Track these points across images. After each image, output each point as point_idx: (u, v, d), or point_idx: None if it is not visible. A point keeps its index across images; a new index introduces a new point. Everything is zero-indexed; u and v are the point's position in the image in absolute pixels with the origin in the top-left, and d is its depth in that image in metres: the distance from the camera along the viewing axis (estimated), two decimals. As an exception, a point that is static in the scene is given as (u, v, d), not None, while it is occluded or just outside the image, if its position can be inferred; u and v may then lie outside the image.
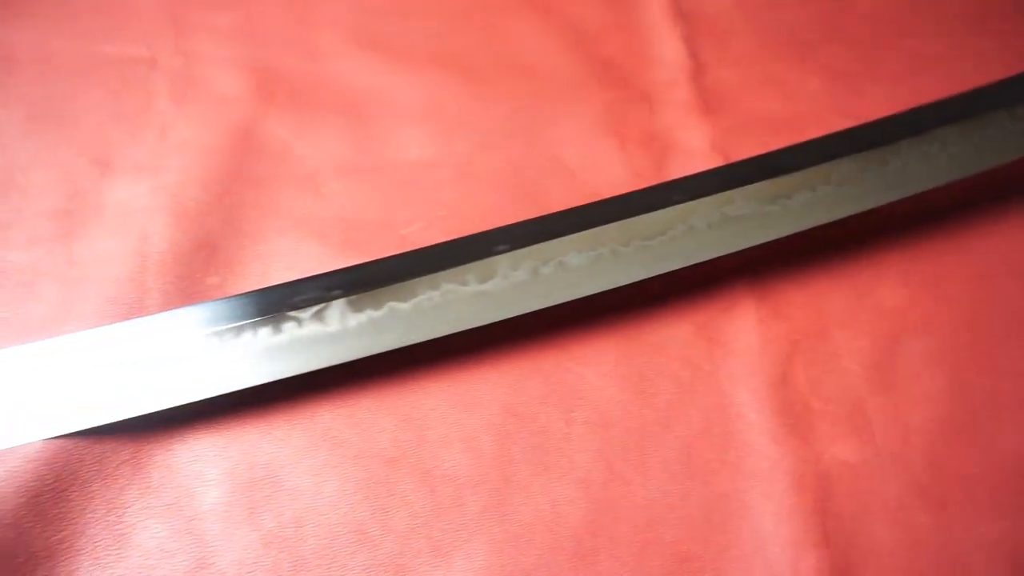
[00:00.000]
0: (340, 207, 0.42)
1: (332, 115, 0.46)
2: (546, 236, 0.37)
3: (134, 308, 0.37)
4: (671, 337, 0.39)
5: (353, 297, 0.35)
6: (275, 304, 0.35)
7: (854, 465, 0.36)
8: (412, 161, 0.44)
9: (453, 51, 0.50)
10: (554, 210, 0.39)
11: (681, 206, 0.38)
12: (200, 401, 0.33)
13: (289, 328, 0.34)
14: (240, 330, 0.34)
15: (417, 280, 0.35)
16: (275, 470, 0.34)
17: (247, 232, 0.41)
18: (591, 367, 0.37)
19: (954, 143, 0.41)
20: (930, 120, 0.41)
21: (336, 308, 0.35)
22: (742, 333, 0.39)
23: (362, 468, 0.34)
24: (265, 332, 0.34)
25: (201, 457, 0.34)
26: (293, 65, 0.48)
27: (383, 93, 0.47)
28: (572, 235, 0.37)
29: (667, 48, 0.51)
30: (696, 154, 0.46)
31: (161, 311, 0.36)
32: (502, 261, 0.36)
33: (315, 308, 0.35)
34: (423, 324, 0.35)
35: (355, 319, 0.35)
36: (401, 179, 0.43)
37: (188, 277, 0.39)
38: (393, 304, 0.35)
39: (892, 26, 0.54)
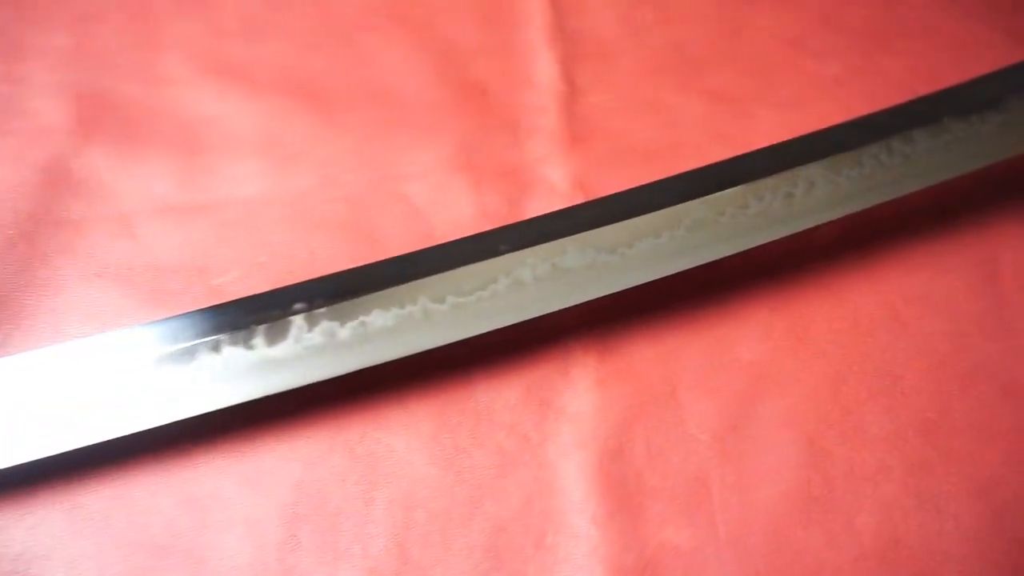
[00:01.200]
0: (153, 252, 0.38)
1: (161, 147, 0.42)
2: (349, 294, 0.33)
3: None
4: (498, 401, 0.35)
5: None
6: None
7: (685, 552, 0.32)
8: (242, 198, 0.41)
9: (307, 76, 0.46)
10: (392, 254, 0.36)
11: (506, 257, 0.34)
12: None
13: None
14: None
15: (198, 342, 0.32)
16: (27, 563, 0.30)
17: (43, 281, 0.37)
18: (402, 438, 0.34)
19: (822, 183, 0.37)
20: (799, 155, 0.38)
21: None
22: (578, 396, 0.35)
23: (125, 558, 0.30)
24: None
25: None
26: (127, 91, 0.44)
27: (221, 122, 0.43)
28: (378, 292, 0.33)
29: (542, 71, 0.47)
30: (556, 190, 0.42)
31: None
32: (296, 322, 0.32)
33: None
34: (200, 394, 0.31)
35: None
36: (226, 219, 0.40)
37: (-32, 333, 0.35)
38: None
39: (789, 46, 0.50)
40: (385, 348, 0.32)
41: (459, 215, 0.41)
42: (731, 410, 0.35)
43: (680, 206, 0.36)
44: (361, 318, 0.32)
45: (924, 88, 0.48)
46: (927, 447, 0.35)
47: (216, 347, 0.32)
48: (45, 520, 0.31)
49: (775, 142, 0.40)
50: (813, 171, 0.37)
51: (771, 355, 0.37)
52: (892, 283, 0.40)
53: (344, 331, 0.32)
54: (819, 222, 0.37)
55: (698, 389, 0.36)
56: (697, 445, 0.34)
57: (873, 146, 0.38)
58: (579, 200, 0.42)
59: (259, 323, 0.32)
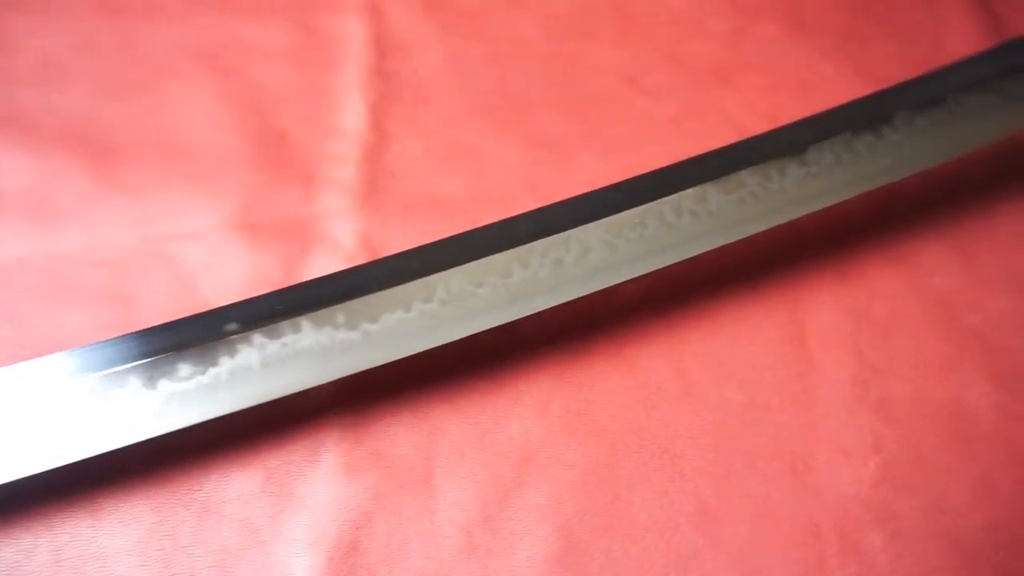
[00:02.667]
0: None
1: (-82, 207, 0.39)
2: None
3: None
4: (230, 490, 0.32)
5: None
6: None
7: (408, 665, 0.29)
8: (-4, 265, 0.38)
9: (97, 126, 0.43)
10: (151, 323, 0.33)
11: (232, 338, 0.31)
12: None
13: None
14: None
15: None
16: None
17: None
18: (116, 535, 0.31)
19: (599, 247, 0.34)
20: (573, 216, 0.35)
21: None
22: (323, 484, 0.33)
23: None
24: None
25: None
26: None
27: (-11, 180, 0.41)
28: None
29: (350, 117, 0.45)
30: (341, 250, 0.39)
31: None
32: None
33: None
34: None
35: None
36: (-27, 289, 0.37)
37: None
38: None
39: (625, 84, 0.48)
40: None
41: (231, 279, 0.38)
42: (488, 497, 0.33)
43: (433, 276, 0.33)
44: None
45: (761, 126, 0.45)
46: (698, 535, 0.32)
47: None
48: None
49: (591, 190, 0.37)
50: (589, 233, 0.34)
51: (545, 433, 0.34)
52: (688, 348, 0.37)
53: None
54: (589, 291, 0.34)
55: (457, 474, 0.33)
56: (443, 539, 0.31)
57: (659, 204, 0.35)
58: (364, 259, 0.39)
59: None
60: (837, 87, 0.48)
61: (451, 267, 0.33)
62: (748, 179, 0.36)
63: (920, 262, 0.40)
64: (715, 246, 0.35)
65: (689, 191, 0.36)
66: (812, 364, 0.37)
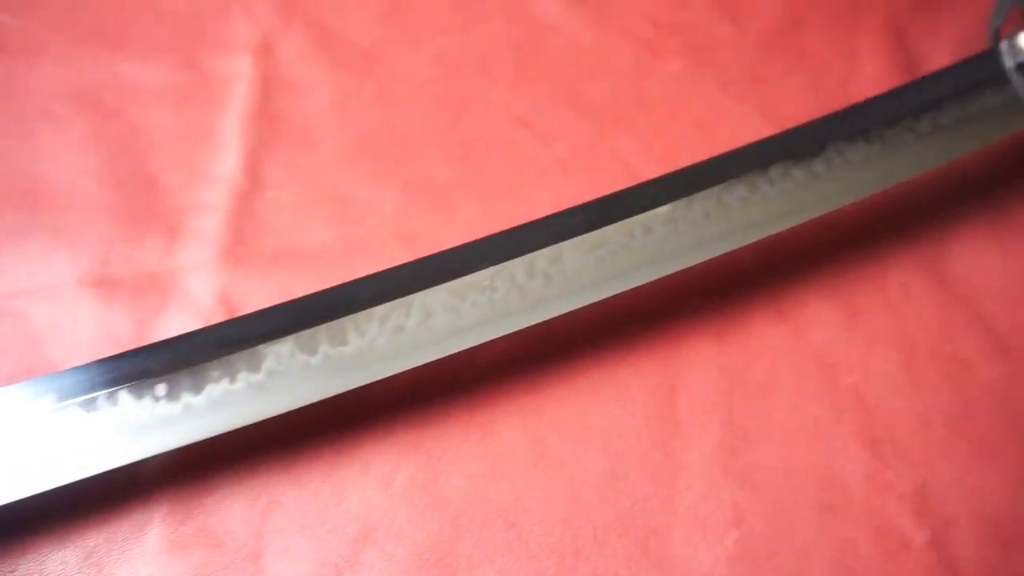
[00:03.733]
0: None
1: None
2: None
3: None
4: (46, 570, 0.31)
5: None
6: None
7: None
8: None
9: (-38, 173, 0.42)
10: None
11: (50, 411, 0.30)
12: None
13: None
14: None
15: None
16: None
17: None
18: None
19: (442, 311, 0.33)
20: (418, 278, 0.33)
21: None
22: (143, 564, 0.31)
23: None
24: None
25: None
26: None
27: None
28: None
29: (226, 162, 0.43)
30: (198, 307, 0.38)
31: None
32: None
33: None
34: None
35: None
36: None
37: None
38: None
39: (517, 126, 0.46)
40: None
41: (79, 339, 0.37)
42: (320, 573, 0.31)
43: (261, 346, 0.31)
44: None
45: (652, 168, 0.44)
46: (533, 621, 0.31)
47: None
48: None
49: (472, 239, 0.36)
50: (432, 298, 0.33)
51: (387, 505, 0.33)
52: (548, 413, 0.35)
53: None
54: (432, 358, 0.32)
55: (289, 552, 0.32)
56: (264, 624, 0.30)
57: (510, 265, 0.34)
58: (220, 317, 0.38)
59: None
60: (738, 126, 0.46)
61: (281, 336, 0.32)
62: (611, 236, 0.35)
63: (802, 317, 0.39)
64: (570, 309, 0.34)
65: (544, 251, 0.34)
66: (678, 429, 0.35)
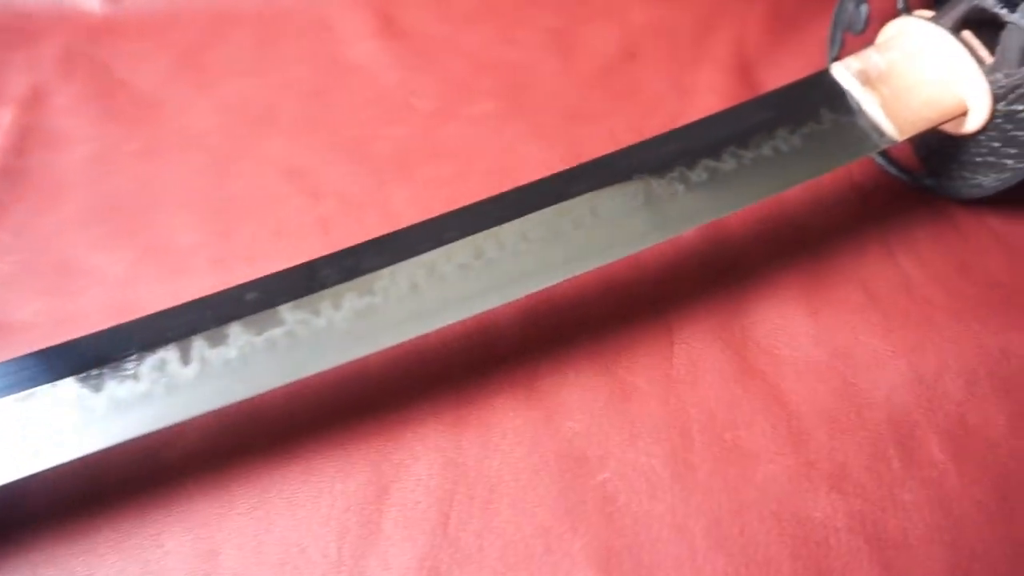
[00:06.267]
0: None
1: None
2: None
3: None
4: None
5: None
6: None
7: None
8: None
9: None
10: None
11: None
12: None
13: None
14: None
15: None
16: None
17: None
18: None
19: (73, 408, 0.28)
20: (56, 364, 0.29)
21: None
22: None
23: None
24: None
25: None
26: None
27: None
28: None
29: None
30: None
31: None
32: None
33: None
34: None
35: None
36: None
37: None
38: None
39: (286, 179, 0.41)
40: None
41: None
42: None
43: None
44: None
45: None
46: None
47: None
48: None
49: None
50: (62, 390, 0.28)
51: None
52: (229, 520, 0.30)
53: None
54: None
55: None
56: None
57: (164, 351, 0.29)
58: None
59: None
60: (536, 171, 0.40)
61: None
62: (288, 315, 0.29)
63: (558, 400, 0.33)
64: (232, 401, 0.28)
65: (212, 331, 0.29)
66: (377, 540, 0.29)
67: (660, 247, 0.37)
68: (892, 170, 0.41)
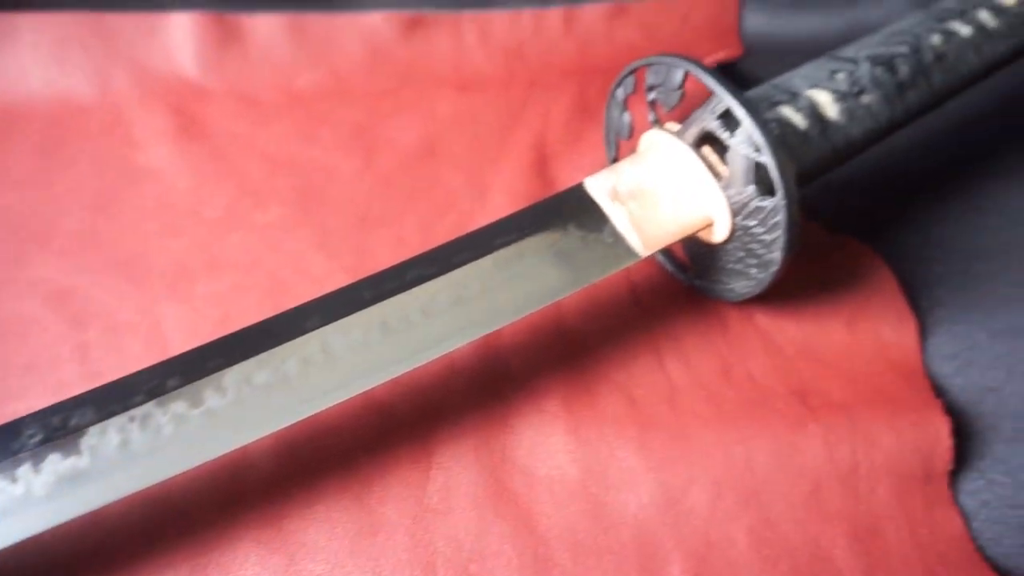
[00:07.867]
0: None
1: None
2: None
3: None
4: None
5: None
6: None
7: None
8: None
9: None
10: None
11: None
12: None
13: None
14: None
15: None
16: None
17: None
18: None
19: None
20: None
21: None
22: None
23: None
24: None
25: None
26: None
27: None
28: None
29: None
30: None
31: None
32: None
33: None
34: None
35: None
36: None
37: None
38: None
39: (46, 306, 0.39)
40: None
41: None
42: None
43: None
44: None
45: (193, 342, 0.37)
46: None
47: None
48: None
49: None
50: None
51: None
52: None
53: None
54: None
55: None
56: None
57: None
58: None
59: None
60: (321, 287, 0.39)
61: None
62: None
63: (305, 540, 0.32)
64: None
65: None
66: None
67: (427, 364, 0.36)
68: (669, 267, 0.42)
